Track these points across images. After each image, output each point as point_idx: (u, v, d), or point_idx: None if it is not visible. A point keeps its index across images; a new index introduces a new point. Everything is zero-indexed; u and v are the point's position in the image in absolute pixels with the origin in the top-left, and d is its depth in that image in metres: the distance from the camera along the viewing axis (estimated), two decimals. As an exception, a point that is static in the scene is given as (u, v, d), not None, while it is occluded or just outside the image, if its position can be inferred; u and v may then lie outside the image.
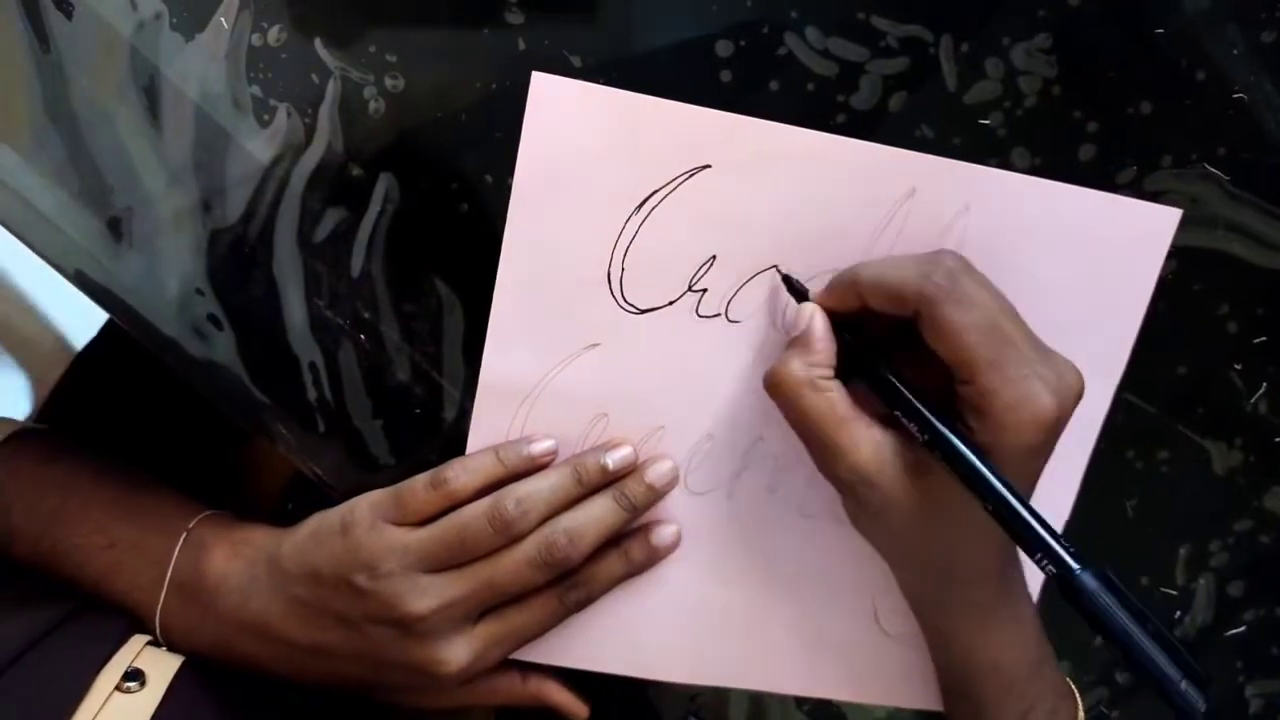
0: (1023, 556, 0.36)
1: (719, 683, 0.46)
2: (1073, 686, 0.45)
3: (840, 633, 0.46)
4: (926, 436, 0.37)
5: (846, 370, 0.39)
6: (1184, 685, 0.34)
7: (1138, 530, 0.48)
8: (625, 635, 0.45)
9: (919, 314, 0.36)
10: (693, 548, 0.44)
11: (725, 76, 0.41)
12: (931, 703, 0.47)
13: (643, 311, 0.41)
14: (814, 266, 0.41)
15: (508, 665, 0.44)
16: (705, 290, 0.41)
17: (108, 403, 0.59)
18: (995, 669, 0.41)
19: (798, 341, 0.39)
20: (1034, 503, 0.36)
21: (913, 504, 0.38)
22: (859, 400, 0.38)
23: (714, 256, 0.41)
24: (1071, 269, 0.42)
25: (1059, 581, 0.35)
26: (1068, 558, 0.35)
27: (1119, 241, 0.42)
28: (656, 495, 0.43)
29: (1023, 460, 0.36)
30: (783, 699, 0.50)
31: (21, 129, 0.41)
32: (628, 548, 0.43)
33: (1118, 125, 0.42)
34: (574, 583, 0.42)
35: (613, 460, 0.42)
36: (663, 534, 0.44)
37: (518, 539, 0.41)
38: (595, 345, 0.42)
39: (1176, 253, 0.42)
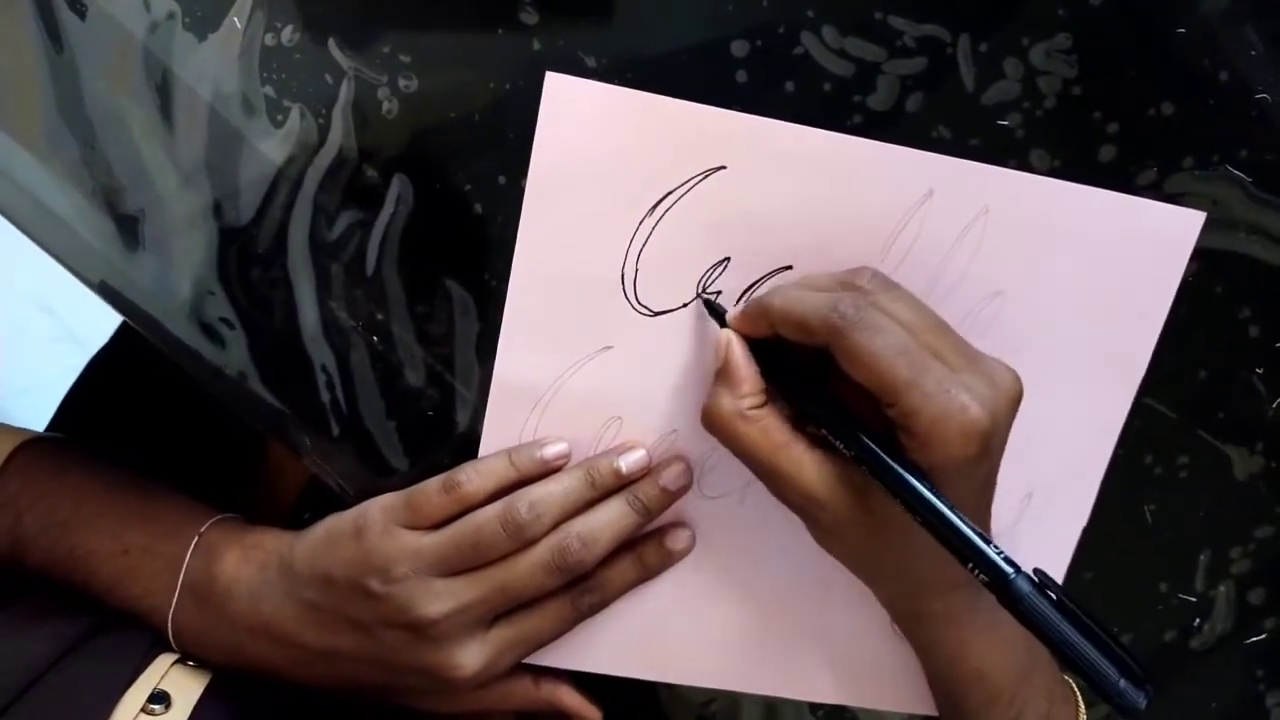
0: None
1: (732, 687, 0.46)
2: (1075, 690, 0.44)
3: (854, 638, 0.46)
4: (852, 452, 0.37)
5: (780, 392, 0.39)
6: (1122, 684, 0.34)
7: (1157, 536, 0.48)
8: (638, 639, 0.45)
9: (830, 345, 0.36)
10: (706, 552, 0.44)
11: (741, 77, 0.40)
12: (946, 710, 0.47)
13: (656, 314, 0.41)
14: (829, 269, 0.41)
15: (521, 669, 0.44)
16: (719, 292, 0.41)
17: (121, 410, 0.59)
18: (980, 677, 0.41)
19: (722, 374, 0.39)
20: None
21: (863, 521, 0.38)
22: (803, 422, 0.39)
23: (728, 258, 0.41)
24: (1092, 272, 0.41)
25: (993, 589, 0.34)
26: (1001, 563, 0.34)
27: (1140, 244, 0.41)
28: (670, 499, 0.42)
29: (962, 472, 0.36)
30: (796, 704, 0.50)
31: (35, 130, 0.41)
32: (641, 552, 0.43)
33: (1138, 126, 0.42)
34: (587, 587, 0.42)
35: (626, 464, 0.42)
36: (677, 538, 0.43)
37: (531, 543, 0.40)
38: (609, 348, 0.41)
39: (1198, 255, 0.42)
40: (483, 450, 0.42)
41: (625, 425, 0.42)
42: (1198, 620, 0.49)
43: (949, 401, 0.35)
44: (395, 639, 0.41)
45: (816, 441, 0.38)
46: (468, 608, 0.40)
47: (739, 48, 0.40)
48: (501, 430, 0.42)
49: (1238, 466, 0.47)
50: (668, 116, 0.39)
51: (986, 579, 0.34)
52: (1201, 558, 0.49)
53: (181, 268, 0.42)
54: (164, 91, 0.41)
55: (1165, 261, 0.42)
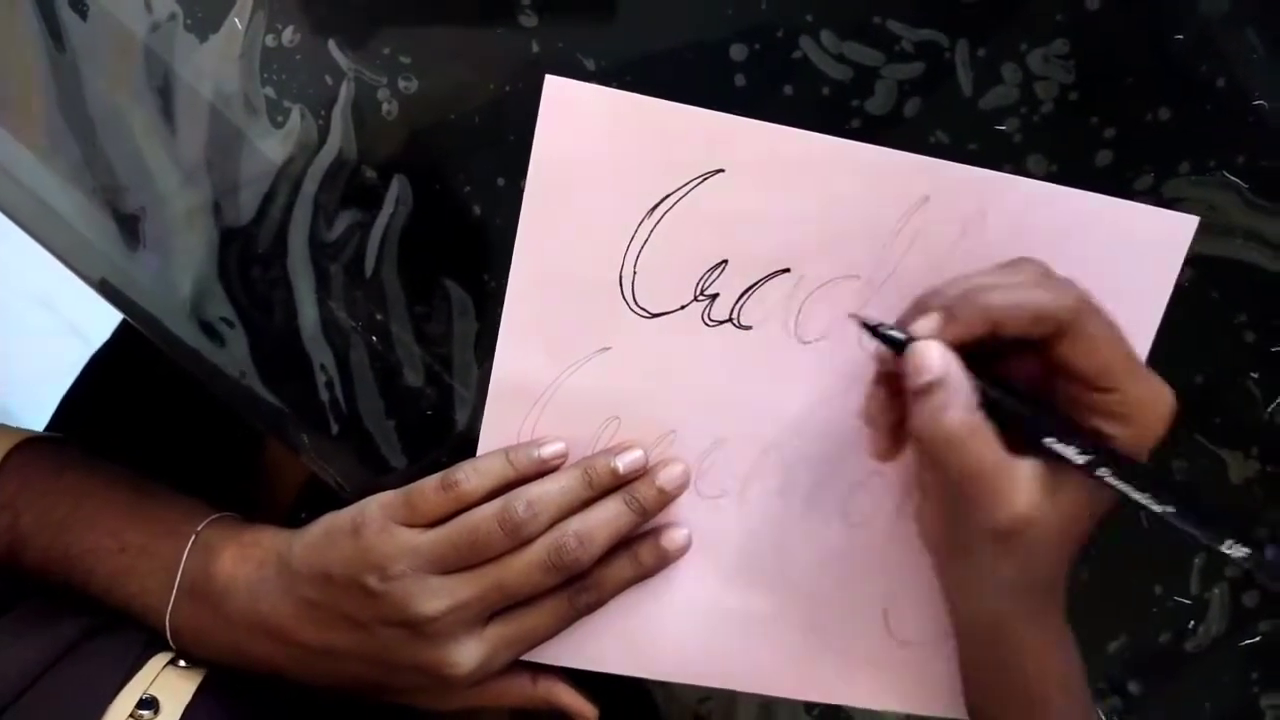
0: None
1: (728, 686, 0.46)
2: (1100, 716, 0.44)
3: (850, 638, 0.46)
4: (1089, 457, 0.36)
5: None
6: None
7: (1152, 539, 0.48)
8: (635, 637, 0.45)
9: (1062, 332, 0.35)
10: (703, 551, 0.44)
11: (739, 80, 0.41)
12: (940, 709, 0.47)
13: (654, 316, 0.41)
14: (827, 272, 0.41)
15: (517, 667, 0.44)
16: (717, 294, 0.41)
17: (120, 410, 0.59)
18: (1029, 685, 0.40)
19: (938, 387, 0.36)
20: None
21: (1058, 527, 0.37)
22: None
23: (726, 261, 0.41)
24: (1087, 276, 0.41)
25: (1253, 563, 0.35)
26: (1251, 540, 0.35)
27: (1135, 249, 0.41)
28: (667, 499, 0.42)
29: (1148, 455, 0.37)
30: (791, 703, 0.50)
31: (37, 129, 0.41)
32: (638, 551, 0.43)
33: (1135, 131, 0.42)
34: (584, 586, 0.42)
35: (623, 463, 0.42)
36: (673, 537, 0.43)
37: (528, 541, 0.41)
38: (607, 349, 0.42)
39: (1193, 261, 0.42)
40: (481, 450, 0.42)
41: (623, 426, 0.43)
42: (1192, 622, 0.49)
43: (1156, 383, 0.36)
44: (392, 636, 0.41)
45: (1016, 452, 0.36)
46: (464, 605, 0.40)
47: (738, 51, 0.40)
48: (499, 430, 0.42)
49: (1233, 470, 0.47)
50: (666, 120, 0.39)
51: (1246, 552, 0.35)
52: (1196, 560, 0.49)
53: (182, 267, 0.42)
54: (165, 91, 0.41)
55: (1161, 266, 0.42)
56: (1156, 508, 0.36)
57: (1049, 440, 0.36)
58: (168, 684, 0.42)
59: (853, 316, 0.39)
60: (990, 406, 0.36)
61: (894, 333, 0.37)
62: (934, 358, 0.36)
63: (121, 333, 0.64)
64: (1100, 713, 0.44)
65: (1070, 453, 0.36)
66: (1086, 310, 0.36)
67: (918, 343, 0.37)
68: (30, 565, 0.44)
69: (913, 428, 0.37)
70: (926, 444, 0.37)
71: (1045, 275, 0.37)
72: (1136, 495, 0.36)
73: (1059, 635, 0.41)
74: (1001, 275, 0.38)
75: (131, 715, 0.40)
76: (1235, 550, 0.35)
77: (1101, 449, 0.36)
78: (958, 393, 0.36)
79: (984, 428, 0.36)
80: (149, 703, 0.41)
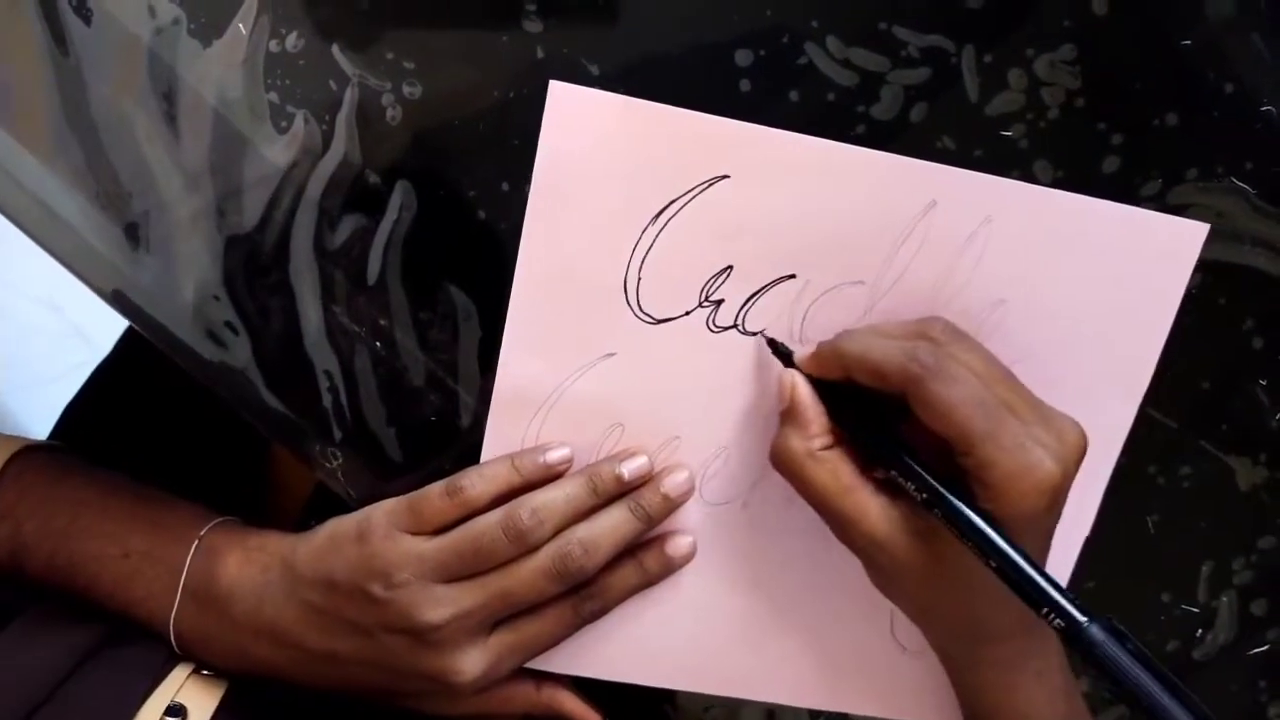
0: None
1: (733, 693, 0.46)
2: None
3: (855, 646, 0.46)
4: (924, 496, 0.37)
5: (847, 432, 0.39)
6: None
7: (1159, 547, 0.48)
8: (639, 645, 0.45)
9: (906, 392, 0.36)
10: (708, 559, 0.44)
11: (744, 86, 0.40)
12: (947, 718, 0.47)
13: (659, 322, 0.41)
14: (833, 279, 0.41)
15: (522, 674, 0.44)
16: (721, 301, 0.41)
17: (126, 420, 0.59)
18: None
19: (789, 414, 0.39)
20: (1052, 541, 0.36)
21: (925, 566, 0.38)
22: (868, 462, 0.39)
23: (731, 267, 0.41)
24: (1094, 283, 0.41)
25: (1066, 635, 0.35)
26: (1074, 611, 0.35)
27: (1143, 256, 0.41)
28: (672, 506, 0.42)
29: (1031, 524, 0.36)
30: (796, 711, 0.50)
31: (41, 135, 0.41)
32: (643, 558, 0.43)
33: (1142, 138, 0.42)
34: (589, 593, 0.42)
35: (628, 470, 0.42)
36: (678, 545, 0.43)
37: (533, 549, 0.40)
38: (611, 355, 0.42)
39: (1201, 267, 0.42)
40: (485, 456, 0.42)
41: (627, 432, 0.42)
42: (1200, 631, 0.49)
43: (1025, 456, 0.35)
44: (396, 644, 0.41)
45: (882, 486, 0.38)
46: (469, 613, 0.40)
47: (743, 57, 0.40)
48: (504, 436, 0.42)
49: (1241, 477, 0.47)
50: (671, 125, 0.39)
51: (1062, 625, 0.34)
52: (1204, 568, 0.48)
53: (185, 272, 0.42)
54: (169, 97, 0.41)
55: (1169, 273, 0.42)
56: (983, 559, 0.36)
57: (893, 473, 0.38)
58: (193, 692, 0.42)
59: (761, 334, 0.41)
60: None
61: (783, 350, 0.41)
62: (786, 387, 0.39)
63: (126, 342, 0.64)
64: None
65: (911, 488, 0.37)
66: (928, 378, 0.35)
67: (781, 371, 0.40)
68: (34, 573, 0.44)
69: (769, 453, 0.40)
70: (773, 465, 0.40)
71: (911, 338, 0.37)
72: (963, 540, 0.36)
73: (1021, 677, 0.41)
74: (881, 329, 0.39)
75: None
76: (1054, 620, 0.35)
77: (939, 495, 0.36)
78: (802, 423, 0.39)
79: (824, 457, 0.38)
80: (177, 710, 0.41)
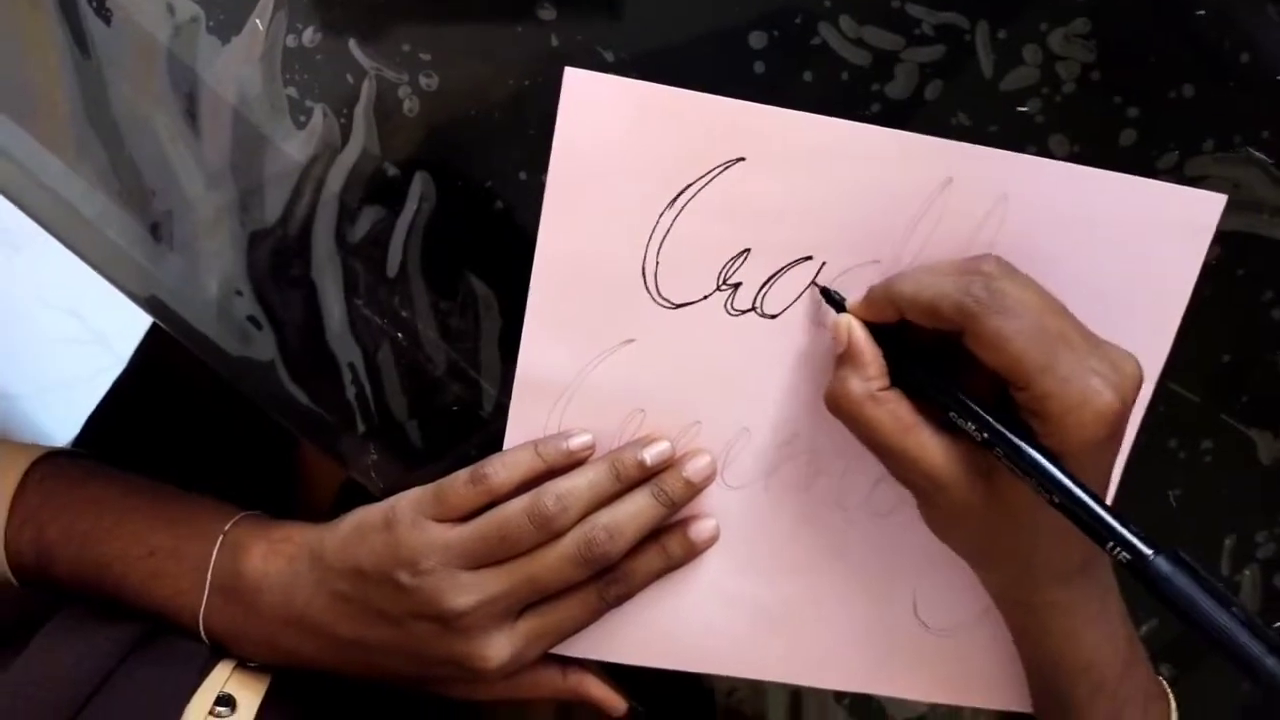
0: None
1: (757, 676, 0.46)
2: (1165, 686, 0.44)
3: (879, 626, 0.46)
4: (984, 435, 0.36)
5: (899, 377, 0.39)
6: (1270, 662, 0.33)
7: (1181, 521, 0.47)
8: (663, 629, 0.45)
9: (962, 328, 0.36)
10: (730, 542, 0.44)
11: (759, 68, 0.41)
12: (970, 698, 0.47)
13: (677, 306, 0.41)
14: (850, 259, 0.41)
15: (549, 660, 0.44)
16: (739, 284, 0.41)
17: (151, 424, 0.60)
18: (1086, 669, 0.41)
19: (846, 358, 0.39)
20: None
21: (986, 506, 0.38)
22: (922, 404, 0.38)
23: (748, 249, 0.41)
24: (1112, 257, 0.41)
25: (1133, 569, 0.34)
26: (1140, 544, 0.34)
27: (1161, 228, 0.41)
28: (694, 490, 0.42)
29: (1091, 457, 0.36)
30: (821, 693, 0.50)
31: (64, 136, 0.41)
32: (666, 543, 0.43)
33: (1158, 110, 0.42)
34: (613, 578, 0.42)
35: (650, 455, 0.42)
36: (701, 529, 0.44)
37: (557, 535, 0.41)
38: (631, 341, 0.42)
39: (1220, 238, 0.42)
40: (507, 444, 0.43)
41: (648, 418, 0.43)
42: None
43: (1083, 386, 0.35)
44: (424, 630, 0.41)
45: (941, 426, 0.38)
46: (495, 600, 0.41)
47: (756, 39, 0.40)
48: (526, 424, 0.43)
49: (1262, 450, 0.47)
50: (686, 109, 0.39)
51: (1128, 558, 0.34)
52: (1226, 542, 0.48)
53: (209, 268, 0.43)
54: (189, 94, 0.41)
55: (1187, 245, 0.42)
56: (1045, 496, 0.35)
57: (952, 415, 0.37)
58: (240, 684, 0.43)
59: (814, 284, 0.41)
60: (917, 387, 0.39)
61: (836, 299, 0.41)
62: (841, 332, 0.39)
63: (147, 347, 0.64)
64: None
65: (970, 428, 0.37)
66: (984, 312, 0.35)
67: (834, 317, 0.40)
68: (61, 577, 0.44)
69: (824, 398, 0.40)
70: (830, 410, 0.39)
71: (964, 273, 0.37)
72: (1023, 478, 0.36)
73: (1081, 620, 0.41)
74: (932, 268, 0.39)
75: (211, 713, 0.41)
76: (1119, 554, 0.34)
77: (998, 434, 0.36)
78: (860, 365, 0.38)
79: (884, 397, 0.38)
80: (226, 700, 0.42)
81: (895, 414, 0.38)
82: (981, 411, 0.37)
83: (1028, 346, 0.35)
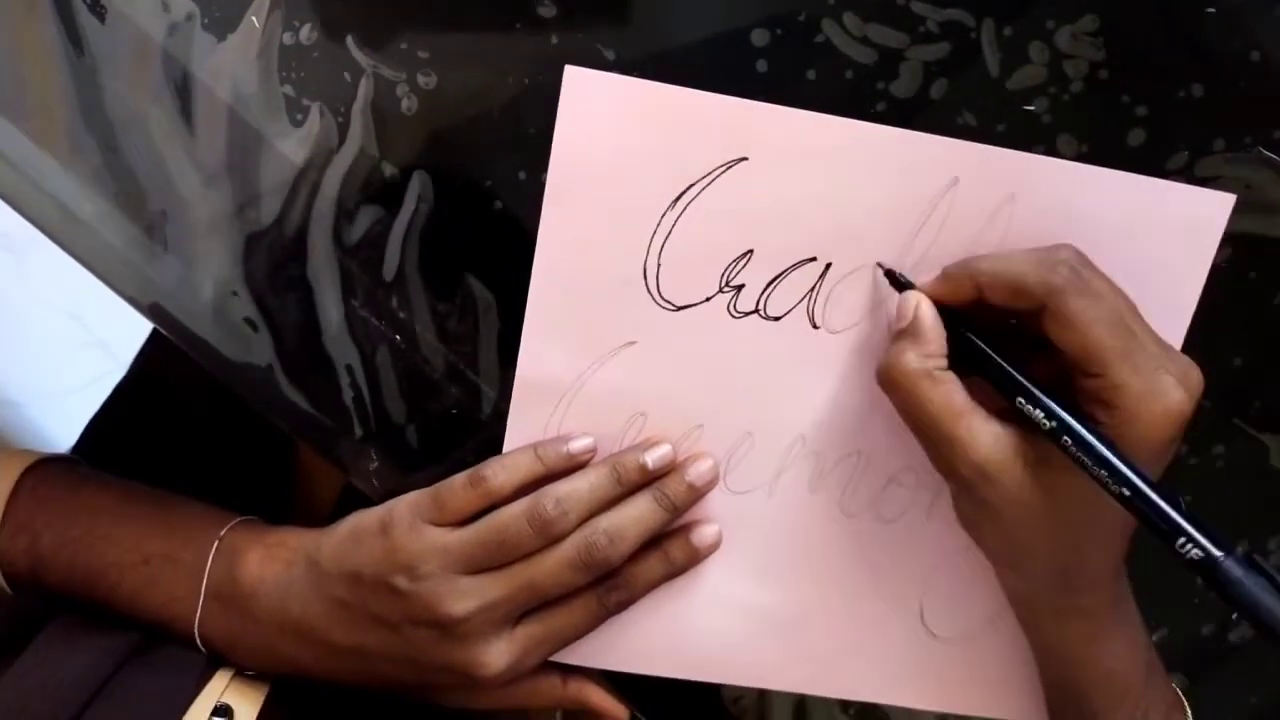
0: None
1: (761, 684, 0.46)
2: (1181, 697, 0.44)
3: (885, 634, 0.45)
4: (1053, 424, 0.35)
5: (955, 366, 0.38)
6: None
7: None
8: (666, 637, 0.45)
9: (1045, 307, 0.36)
10: (733, 548, 0.44)
11: (762, 66, 0.40)
12: (978, 708, 0.46)
13: (680, 308, 0.41)
14: (854, 260, 0.40)
15: (548, 667, 0.44)
16: (742, 286, 0.41)
17: (148, 434, 0.60)
18: (1108, 678, 0.41)
19: (908, 332, 0.38)
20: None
21: (1033, 501, 0.37)
22: (973, 397, 0.38)
23: (751, 250, 0.40)
24: (1121, 257, 0.41)
25: (1203, 569, 0.33)
26: (1210, 545, 0.33)
27: (1170, 229, 0.41)
28: (697, 494, 0.42)
29: (1151, 454, 0.35)
30: (826, 702, 0.49)
31: (58, 136, 0.41)
32: (668, 548, 0.43)
33: (1168, 109, 0.41)
34: (614, 584, 0.42)
35: (652, 459, 0.41)
36: (703, 534, 0.43)
37: (557, 540, 0.40)
38: (632, 343, 0.41)
39: (1230, 239, 0.41)
40: (507, 447, 0.42)
41: (650, 421, 0.42)
42: (1236, 614, 0.48)
43: (1157, 380, 0.35)
44: (422, 636, 0.41)
45: (994, 414, 0.37)
46: (494, 605, 0.40)
47: (759, 37, 0.40)
48: (525, 427, 0.42)
49: (1275, 456, 0.46)
50: (688, 108, 0.39)
51: (1199, 556, 0.33)
52: (1239, 549, 0.48)
53: (204, 269, 0.42)
54: (184, 93, 0.41)
55: (1196, 246, 0.41)
56: (1112, 489, 0.34)
57: (1019, 401, 0.36)
58: (237, 694, 0.43)
59: (879, 265, 0.40)
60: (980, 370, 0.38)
61: (902, 280, 0.40)
62: (909, 306, 0.38)
63: (146, 354, 0.64)
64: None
65: (1038, 416, 0.36)
66: (1070, 291, 0.35)
67: (904, 294, 0.39)
68: (54, 584, 0.44)
69: (876, 371, 0.39)
70: (881, 384, 0.39)
71: (1048, 254, 0.36)
72: (1091, 470, 0.35)
73: (1105, 626, 0.40)
74: (1009, 253, 0.38)
75: None
76: (1189, 551, 0.33)
77: (1067, 424, 0.35)
78: (922, 341, 0.37)
79: (942, 377, 0.37)
80: (224, 710, 0.41)
81: (949, 395, 0.37)
82: (1051, 402, 0.36)
83: (1108, 332, 0.35)
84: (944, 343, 0.38)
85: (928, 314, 0.38)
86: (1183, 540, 0.34)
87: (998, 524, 0.39)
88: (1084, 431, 0.35)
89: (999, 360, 0.37)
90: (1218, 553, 0.33)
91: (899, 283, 0.40)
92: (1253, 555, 0.33)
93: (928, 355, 0.37)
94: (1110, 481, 0.34)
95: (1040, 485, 0.37)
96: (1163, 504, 0.34)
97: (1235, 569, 0.33)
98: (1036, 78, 0.41)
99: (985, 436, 0.36)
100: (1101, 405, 0.35)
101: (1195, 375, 0.36)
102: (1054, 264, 0.36)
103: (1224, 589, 0.33)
